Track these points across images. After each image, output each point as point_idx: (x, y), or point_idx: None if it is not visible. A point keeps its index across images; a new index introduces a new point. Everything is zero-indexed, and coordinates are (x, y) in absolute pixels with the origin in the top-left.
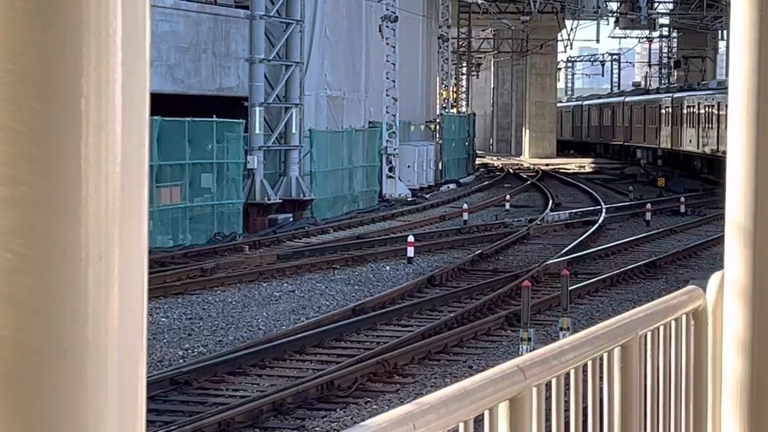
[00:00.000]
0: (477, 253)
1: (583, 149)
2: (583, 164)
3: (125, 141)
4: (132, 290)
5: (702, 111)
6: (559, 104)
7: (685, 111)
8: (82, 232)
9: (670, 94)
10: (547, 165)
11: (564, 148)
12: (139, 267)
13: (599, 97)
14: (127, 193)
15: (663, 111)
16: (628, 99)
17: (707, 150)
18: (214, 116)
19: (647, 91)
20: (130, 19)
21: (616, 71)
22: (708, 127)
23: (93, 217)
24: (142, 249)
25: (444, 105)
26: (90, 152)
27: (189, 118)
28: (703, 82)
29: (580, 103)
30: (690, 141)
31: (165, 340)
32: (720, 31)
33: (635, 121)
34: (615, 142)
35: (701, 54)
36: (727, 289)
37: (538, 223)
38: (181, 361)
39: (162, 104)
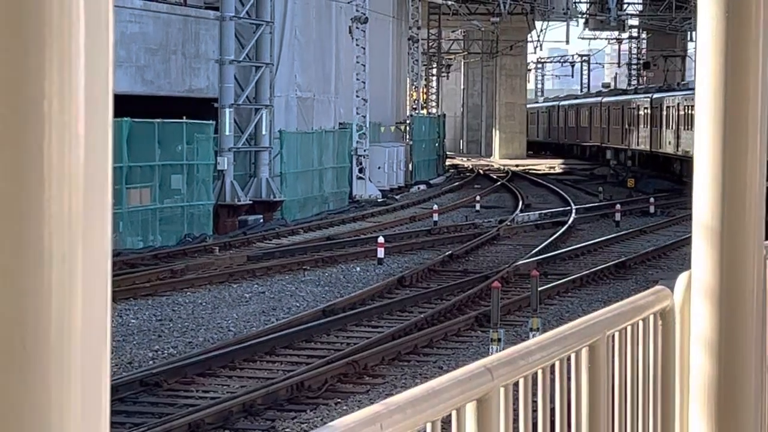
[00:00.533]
0: (447, 254)
1: (556, 150)
2: (553, 165)
3: (88, 142)
4: (96, 292)
5: (682, 112)
6: (530, 105)
7: (664, 112)
8: (45, 233)
9: (649, 95)
10: (517, 166)
11: (535, 149)
12: (102, 268)
13: (576, 98)
14: (90, 195)
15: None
16: (604, 99)
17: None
18: (184, 117)
19: (625, 92)
20: (93, 20)
21: (586, 72)
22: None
23: (56, 218)
24: (106, 250)
25: (414, 106)
26: (53, 154)
27: (159, 120)
28: (683, 83)
29: (554, 103)
30: (669, 143)
31: (135, 342)
32: (689, 32)
33: (608, 122)
34: (588, 143)
35: (670, 54)
36: (695, 289)
37: (508, 223)
38: (150, 362)
39: (132, 105)
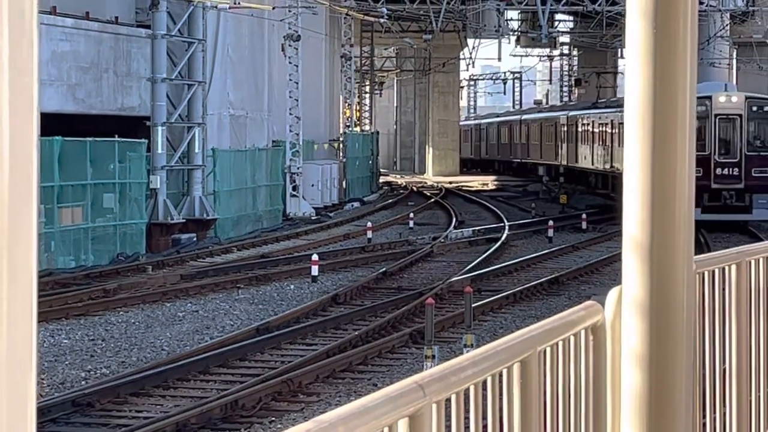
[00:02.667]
0: (381, 271)
1: (489, 167)
2: (486, 182)
3: (13, 161)
4: (20, 312)
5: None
6: (462, 122)
7: (580, 128)
8: None
9: (566, 112)
10: (450, 183)
11: (468, 166)
12: (27, 289)
13: (507, 115)
14: (15, 214)
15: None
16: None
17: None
18: (116, 136)
19: (552, 108)
20: (16, 38)
21: (518, 89)
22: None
23: None
24: (31, 270)
25: (347, 123)
26: None
27: (91, 138)
28: (601, 100)
29: (486, 120)
30: (585, 158)
31: (67, 362)
32: (619, 49)
33: (536, 138)
34: (519, 160)
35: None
36: (625, 304)
37: (442, 240)
38: (83, 382)
39: (63, 124)
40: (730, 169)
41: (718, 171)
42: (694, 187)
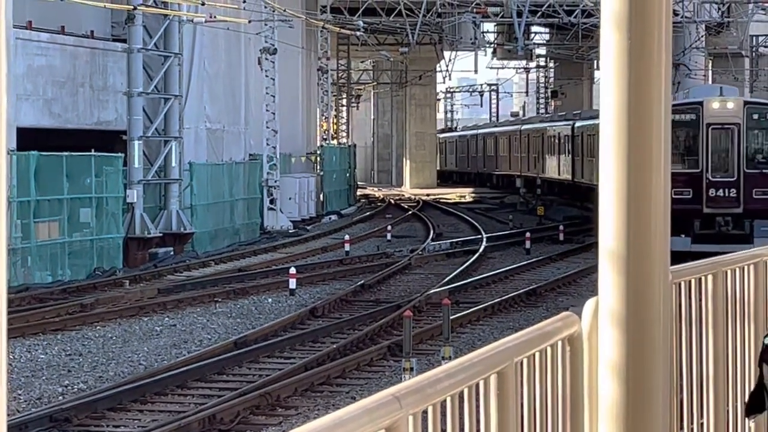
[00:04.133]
0: (359, 283)
1: (466, 179)
2: (464, 194)
3: None
4: None
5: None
6: (441, 135)
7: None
8: None
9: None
10: (428, 195)
11: (444, 179)
12: None
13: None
14: None
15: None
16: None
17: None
18: (93, 150)
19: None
20: None
21: (495, 101)
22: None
23: None
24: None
25: (324, 136)
26: None
27: (67, 153)
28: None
29: (463, 133)
30: (553, 168)
31: (44, 377)
32: (595, 61)
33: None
34: (497, 172)
35: (577, 83)
36: (602, 315)
37: (420, 253)
38: (60, 398)
39: (39, 139)
40: (726, 191)
41: (712, 192)
42: (671, 202)
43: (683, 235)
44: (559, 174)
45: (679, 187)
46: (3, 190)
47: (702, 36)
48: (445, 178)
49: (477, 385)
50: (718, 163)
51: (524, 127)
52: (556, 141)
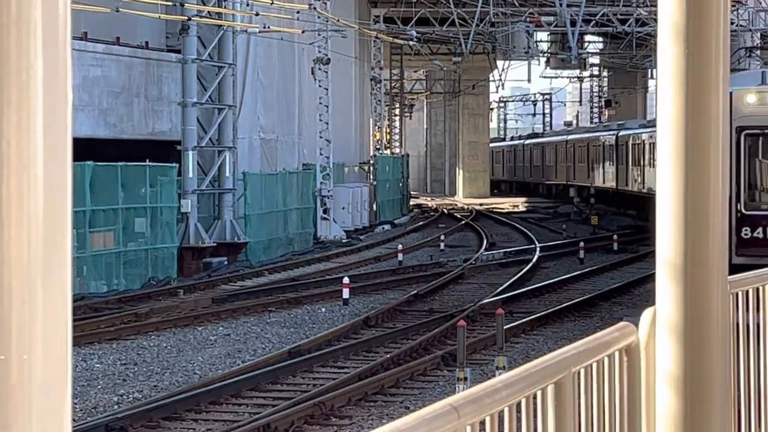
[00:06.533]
0: (412, 293)
1: (520, 189)
2: (517, 203)
3: (47, 183)
4: (56, 335)
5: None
6: (493, 144)
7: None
8: (5, 276)
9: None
10: (481, 205)
11: (498, 188)
12: (62, 312)
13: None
14: (50, 237)
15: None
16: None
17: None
18: (147, 160)
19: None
20: (51, 60)
21: (548, 111)
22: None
23: (15, 261)
24: (66, 293)
25: (377, 146)
26: (12, 195)
27: (122, 163)
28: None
29: (518, 142)
30: (636, 180)
31: (99, 387)
32: (649, 70)
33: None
34: (553, 182)
35: (631, 92)
36: (659, 325)
37: (473, 262)
38: (116, 407)
39: (95, 149)
40: (764, 230)
41: (744, 233)
42: (728, 207)
43: None
44: (603, 182)
45: None
46: (68, 202)
47: (757, 44)
48: (497, 187)
49: (534, 396)
50: (753, 184)
51: (570, 137)
52: (601, 150)
